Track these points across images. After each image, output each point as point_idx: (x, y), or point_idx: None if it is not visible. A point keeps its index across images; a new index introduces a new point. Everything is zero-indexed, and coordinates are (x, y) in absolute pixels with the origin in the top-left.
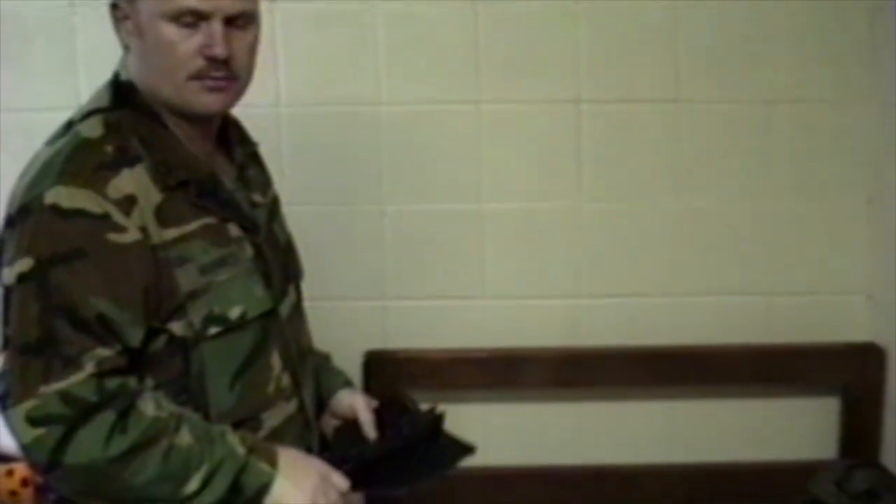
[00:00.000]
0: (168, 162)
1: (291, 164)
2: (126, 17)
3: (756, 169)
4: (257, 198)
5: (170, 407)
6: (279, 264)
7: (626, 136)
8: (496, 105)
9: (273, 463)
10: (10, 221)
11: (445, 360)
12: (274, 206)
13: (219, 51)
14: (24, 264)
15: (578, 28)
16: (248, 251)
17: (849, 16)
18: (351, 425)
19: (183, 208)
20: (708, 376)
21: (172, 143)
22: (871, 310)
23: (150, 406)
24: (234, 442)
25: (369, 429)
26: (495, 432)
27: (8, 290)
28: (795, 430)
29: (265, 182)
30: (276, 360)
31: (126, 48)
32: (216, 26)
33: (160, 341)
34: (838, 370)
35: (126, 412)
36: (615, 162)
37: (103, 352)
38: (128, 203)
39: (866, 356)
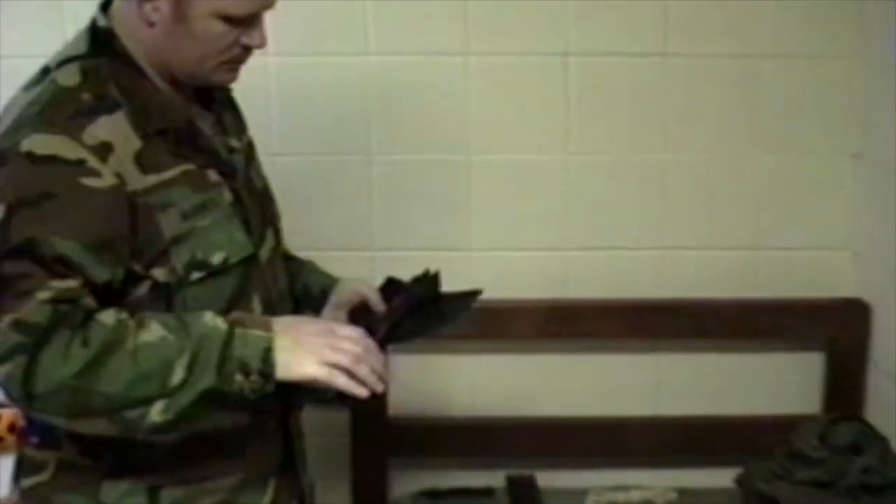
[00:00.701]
0: (147, 109)
1: (279, 115)
2: None
3: (743, 124)
4: (234, 143)
5: (129, 312)
6: (257, 209)
7: (613, 89)
8: (484, 57)
9: (267, 328)
10: None
11: None
12: (250, 150)
13: (264, 44)
14: None
15: None
16: (227, 196)
17: None
18: (361, 308)
19: (163, 155)
20: (694, 330)
21: (151, 91)
22: (856, 265)
23: (112, 316)
24: (214, 318)
25: (379, 304)
26: (483, 384)
27: None
28: (780, 384)
29: (240, 127)
30: (256, 305)
31: (150, 25)
32: (260, 21)
33: (143, 287)
34: (823, 325)
35: (84, 325)
36: (603, 115)
37: (59, 283)
38: (103, 149)
39: (851, 312)
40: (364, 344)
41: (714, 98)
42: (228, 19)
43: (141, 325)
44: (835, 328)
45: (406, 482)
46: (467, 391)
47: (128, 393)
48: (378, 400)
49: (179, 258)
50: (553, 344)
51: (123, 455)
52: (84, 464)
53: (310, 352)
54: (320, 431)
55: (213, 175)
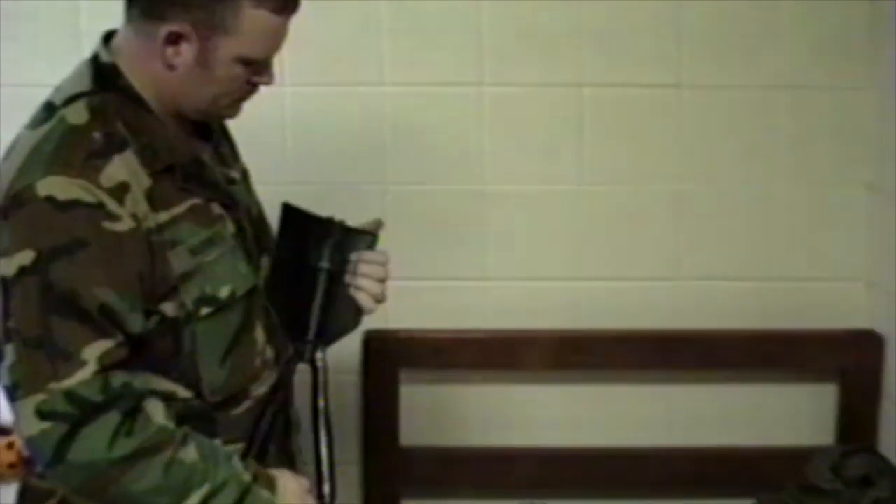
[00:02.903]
0: (154, 146)
1: (295, 145)
2: (183, 41)
3: (756, 154)
4: (233, 174)
5: (167, 414)
6: (254, 238)
7: (628, 120)
8: (499, 88)
9: (273, 489)
10: (2, 212)
11: (446, 341)
12: (245, 179)
13: (273, 82)
14: (25, 257)
15: (582, 12)
16: (230, 228)
17: (849, 2)
18: None
19: (171, 191)
20: (707, 361)
21: (156, 127)
22: (870, 297)
23: (160, 414)
24: (240, 467)
25: None
26: (495, 414)
27: (6, 282)
28: (793, 415)
29: (235, 156)
30: (260, 334)
31: (171, 68)
32: (271, 62)
33: (152, 322)
34: (836, 357)
35: (132, 414)
36: (617, 146)
37: (105, 343)
38: (121, 190)
39: (864, 343)
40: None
41: (727, 129)
42: (248, 62)
43: (183, 442)
44: (848, 359)
45: None
46: (480, 421)
47: (143, 497)
48: None
49: (189, 294)
50: (566, 374)
51: None
52: None
53: None
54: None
55: (216, 208)
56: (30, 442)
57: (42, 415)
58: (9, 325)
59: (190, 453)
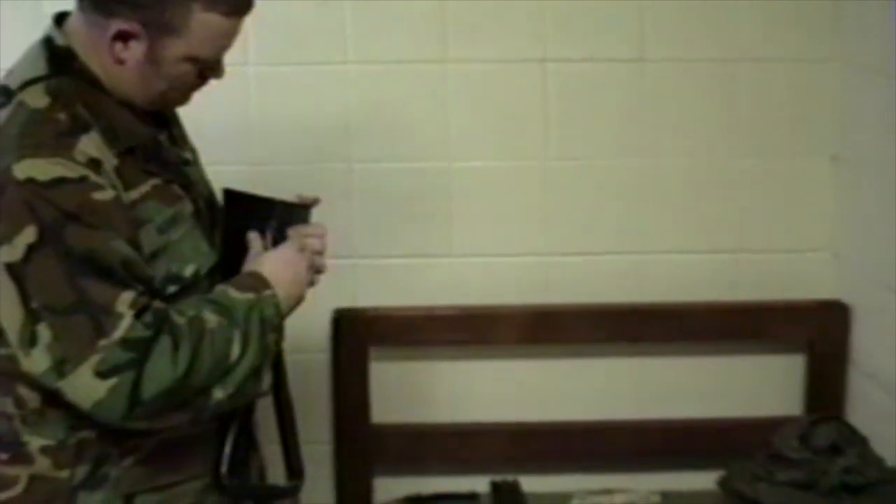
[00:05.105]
0: (114, 128)
1: (259, 124)
2: (132, 39)
3: (721, 127)
4: (187, 155)
5: (181, 307)
6: (208, 217)
7: (591, 95)
8: (462, 64)
9: (266, 284)
10: None
11: (415, 318)
12: (196, 159)
13: (222, 76)
14: (28, 235)
15: None
16: (189, 208)
17: None
18: None
19: (135, 171)
20: (675, 333)
21: (115, 110)
22: (836, 267)
23: (176, 315)
24: (235, 294)
25: None
26: (465, 389)
27: (15, 268)
28: (761, 386)
29: (184, 136)
30: None
31: (119, 62)
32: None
33: None
34: (803, 327)
35: (171, 328)
36: (581, 121)
37: (130, 294)
38: (96, 165)
39: (831, 313)
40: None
41: (692, 102)
42: (197, 61)
43: (202, 315)
44: (815, 330)
45: (390, 488)
46: (450, 397)
47: (209, 378)
48: None
49: (157, 272)
50: (535, 349)
51: (97, 466)
52: (58, 477)
53: (300, 286)
54: (302, 438)
55: (176, 188)
56: (99, 407)
57: (103, 374)
58: (33, 307)
59: (212, 319)
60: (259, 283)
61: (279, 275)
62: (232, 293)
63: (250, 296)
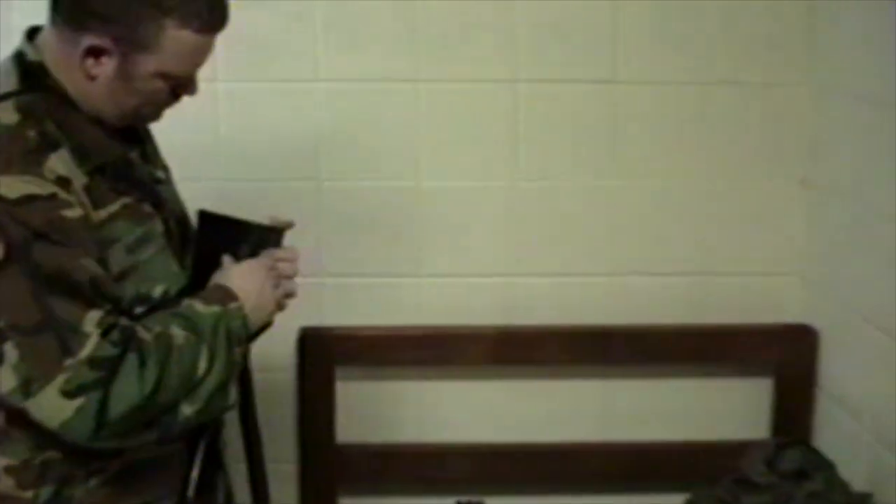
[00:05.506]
0: (84, 146)
1: (228, 141)
2: (103, 54)
3: (691, 150)
4: (159, 174)
5: (148, 323)
6: (179, 236)
7: (562, 115)
8: (433, 84)
9: (232, 296)
10: None
11: (381, 338)
12: (168, 177)
13: (196, 93)
14: None
15: (515, 8)
16: (159, 227)
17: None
18: None
19: (104, 190)
20: (642, 356)
21: (86, 127)
22: (804, 291)
23: (143, 331)
24: (202, 307)
25: None
26: (431, 410)
27: None
28: (728, 409)
29: (157, 153)
30: None
31: (91, 78)
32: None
33: None
34: (771, 351)
35: (137, 346)
36: (551, 142)
37: (98, 313)
38: (65, 183)
39: (799, 337)
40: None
41: (662, 124)
42: (169, 77)
43: (168, 332)
44: (783, 353)
45: None
46: (416, 418)
47: (175, 394)
48: None
49: (125, 293)
50: (502, 370)
51: (62, 487)
52: (22, 497)
53: (266, 300)
54: (267, 457)
55: (147, 207)
56: (65, 427)
57: (70, 394)
58: (0, 326)
59: (178, 335)
60: (225, 295)
61: (246, 287)
62: (198, 307)
63: (216, 309)
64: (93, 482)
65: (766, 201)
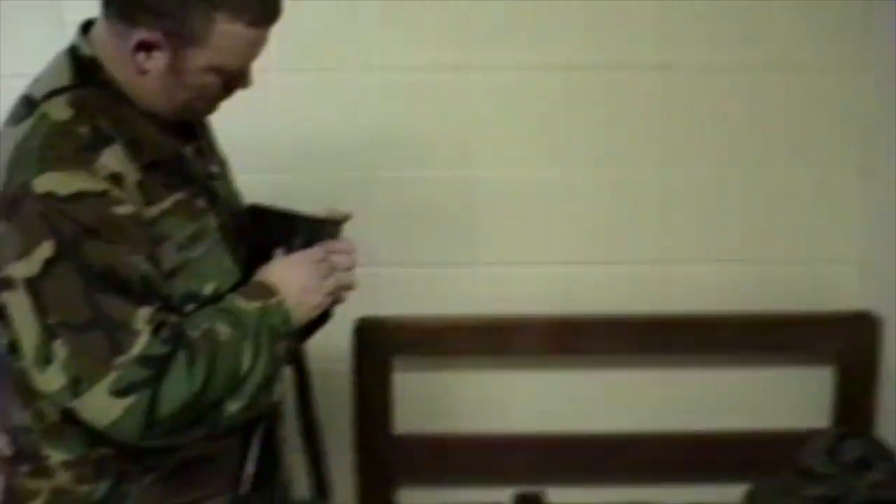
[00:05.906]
0: (138, 141)
1: (281, 131)
2: (154, 49)
3: (749, 137)
4: (214, 168)
5: (194, 319)
6: (235, 230)
7: (616, 102)
8: (486, 72)
9: (272, 291)
10: (3, 216)
11: (437, 328)
12: (224, 171)
13: (250, 86)
14: (45, 250)
15: None
16: (214, 223)
17: None
18: None
19: (157, 186)
20: (701, 345)
21: (139, 122)
22: (864, 278)
23: (191, 328)
24: (243, 303)
25: None
26: (487, 400)
27: (32, 283)
28: (789, 398)
29: (213, 147)
30: None
31: (142, 73)
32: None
33: None
34: (832, 339)
35: (186, 343)
36: (607, 129)
37: (148, 310)
38: (117, 179)
39: (860, 325)
40: (352, 247)
41: (718, 111)
42: (222, 71)
43: (215, 328)
44: (844, 342)
45: (413, 499)
46: (474, 407)
47: (223, 390)
48: None
49: (175, 290)
50: (559, 359)
51: (118, 483)
52: (79, 491)
53: (311, 293)
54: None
55: (201, 202)
56: (115, 426)
57: (120, 392)
58: (49, 322)
59: (223, 332)
60: (265, 291)
61: (287, 281)
62: (240, 302)
63: (258, 304)
64: (148, 479)
65: (825, 188)
